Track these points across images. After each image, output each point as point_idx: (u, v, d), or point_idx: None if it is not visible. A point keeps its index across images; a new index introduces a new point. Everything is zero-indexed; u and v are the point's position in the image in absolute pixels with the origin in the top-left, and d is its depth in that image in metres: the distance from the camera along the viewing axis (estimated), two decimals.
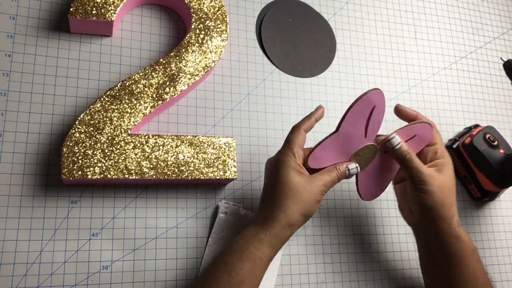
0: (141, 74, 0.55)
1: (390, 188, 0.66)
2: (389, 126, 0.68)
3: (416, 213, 0.55)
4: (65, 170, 0.49)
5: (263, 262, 0.47)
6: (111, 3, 0.55)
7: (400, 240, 0.64)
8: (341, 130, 0.50)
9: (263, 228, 0.47)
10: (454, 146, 0.69)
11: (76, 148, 0.50)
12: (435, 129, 0.56)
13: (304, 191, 0.48)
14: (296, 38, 0.68)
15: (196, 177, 0.53)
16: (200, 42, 0.58)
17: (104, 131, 0.52)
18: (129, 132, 0.53)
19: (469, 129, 0.71)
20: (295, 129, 0.51)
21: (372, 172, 0.56)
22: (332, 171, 0.51)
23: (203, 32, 0.59)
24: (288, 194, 0.48)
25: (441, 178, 0.52)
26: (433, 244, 0.54)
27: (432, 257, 0.54)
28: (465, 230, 0.53)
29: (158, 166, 0.52)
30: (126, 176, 0.51)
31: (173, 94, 0.55)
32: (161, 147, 0.53)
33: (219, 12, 0.60)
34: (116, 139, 0.52)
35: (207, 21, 0.59)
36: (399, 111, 0.56)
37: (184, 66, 0.57)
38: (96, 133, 0.51)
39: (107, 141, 0.51)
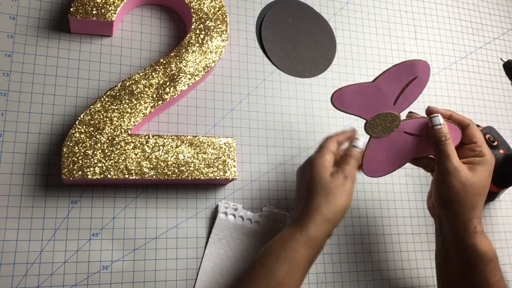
0: (141, 74, 0.55)
1: (391, 188, 0.66)
2: None
3: (435, 205, 0.53)
4: (65, 170, 0.49)
5: (300, 264, 0.45)
6: (111, 3, 0.55)
7: (400, 240, 0.64)
8: (376, 82, 0.49)
9: (299, 229, 0.47)
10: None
11: (76, 148, 0.50)
12: (474, 128, 0.54)
13: (334, 186, 0.48)
14: (296, 38, 0.68)
15: (196, 177, 0.53)
16: (200, 42, 0.58)
17: (104, 131, 0.52)
18: (129, 132, 0.53)
19: None
20: (328, 137, 0.52)
21: (385, 146, 0.53)
22: (347, 158, 0.51)
23: (203, 32, 0.59)
24: (320, 192, 0.48)
25: (469, 176, 0.50)
26: (448, 242, 0.52)
27: (445, 254, 0.53)
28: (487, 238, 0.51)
29: (158, 166, 0.52)
30: (126, 176, 0.51)
31: (173, 94, 0.55)
32: (161, 147, 0.53)
33: (219, 12, 0.60)
34: (116, 139, 0.52)
35: (207, 21, 0.59)
36: (432, 112, 0.54)
37: (184, 66, 0.57)
38: (96, 133, 0.51)
39: (107, 141, 0.51)
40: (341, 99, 0.49)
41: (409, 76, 0.48)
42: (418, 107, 0.56)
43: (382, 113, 0.50)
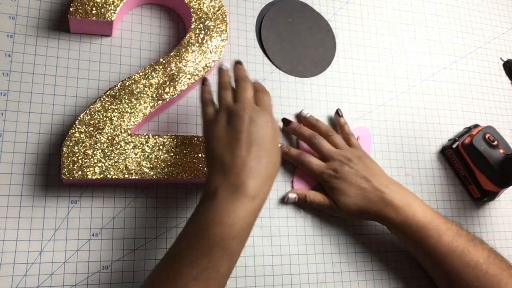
0: (141, 74, 0.55)
1: None
2: (395, 126, 0.68)
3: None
4: (65, 170, 0.49)
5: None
6: (111, 3, 0.55)
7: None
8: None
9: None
10: (454, 146, 0.69)
11: (76, 148, 0.50)
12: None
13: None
14: (296, 38, 0.68)
15: (196, 177, 0.53)
16: (200, 42, 0.58)
17: (104, 131, 0.52)
18: (129, 132, 0.53)
19: (468, 129, 0.71)
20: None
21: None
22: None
23: (203, 32, 0.59)
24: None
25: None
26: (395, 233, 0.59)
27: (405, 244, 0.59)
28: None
29: (158, 166, 0.52)
30: (126, 176, 0.51)
31: (173, 94, 0.55)
32: (161, 147, 0.53)
33: (219, 12, 0.60)
34: (116, 139, 0.52)
35: (207, 21, 0.59)
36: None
37: (184, 66, 0.57)
38: (96, 133, 0.51)
39: (107, 141, 0.51)
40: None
41: None
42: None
43: None
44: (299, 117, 0.64)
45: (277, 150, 0.48)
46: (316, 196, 0.59)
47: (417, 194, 0.60)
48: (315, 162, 0.59)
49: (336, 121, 0.65)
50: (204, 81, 0.54)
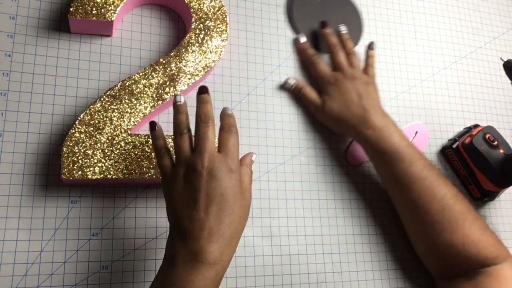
0: (141, 74, 0.55)
1: None
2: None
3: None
4: (65, 170, 0.49)
5: None
6: (111, 3, 0.55)
7: (400, 240, 0.64)
8: None
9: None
10: (454, 146, 0.69)
11: (76, 148, 0.50)
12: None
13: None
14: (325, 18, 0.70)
15: None
16: (200, 42, 0.58)
17: (104, 131, 0.52)
18: (129, 132, 0.53)
19: (469, 129, 0.71)
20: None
21: None
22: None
23: (203, 32, 0.59)
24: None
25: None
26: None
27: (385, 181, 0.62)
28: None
29: None
30: (126, 176, 0.51)
31: (173, 94, 0.55)
32: None
33: (219, 12, 0.60)
34: (116, 139, 0.52)
35: (207, 21, 0.59)
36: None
37: (184, 66, 0.57)
38: (96, 133, 0.51)
39: (107, 141, 0.51)
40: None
41: None
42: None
43: None
44: (337, 30, 0.66)
45: (244, 202, 0.44)
46: (311, 92, 0.63)
47: None
48: (323, 66, 0.63)
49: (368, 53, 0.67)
50: (153, 125, 0.48)
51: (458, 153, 0.69)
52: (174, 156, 0.46)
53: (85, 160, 0.50)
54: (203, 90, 0.47)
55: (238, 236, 0.44)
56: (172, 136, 0.48)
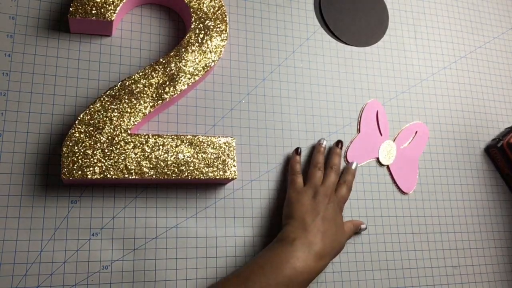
0: (141, 74, 0.55)
1: (390, 187, 0.67)
2: (395, 126, 0.68)
3: None
4: (65, 170, 0.49)
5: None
6: (111, 3, 0.55)
7: (399, 240, 0.64)
8: (361, 131, 0.66)
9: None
10: (499, 145, 0.71)
11: (76, 148, 0.50)
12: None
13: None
14: (354, 9, 0.72)
15: (196, 177, 0.53)
16: (200, 42, 0.58)
17: (104, 131, 0.52)
18: (129, 132, 0.53)
19: (511, 129, 0.73)
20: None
21: (401, 165, 0.67)
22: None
23: (202, 32, 0.59)
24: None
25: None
26: None
27: None
28: None
29: (158, 166, 0.52)
30: (126, 176, 0.51)
31: (173, 94, 0.55)
32: (161, 147, 0.53)
33: (219, 12, 0.60)
34: (116, 139, 0.52)
35: (207, 21, 0.59)
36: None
37: (184, 66, 0.57)
38: (96, 133, 0.51)
39: (107, 141, 0.51)
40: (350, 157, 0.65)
41: (373, 113, 0.68)
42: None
43: None
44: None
45: (342, 235, 0.57)
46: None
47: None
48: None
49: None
50: (297, 151, 0.62)
51: (502, 152, 0.70)
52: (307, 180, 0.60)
53: (85, 160, 0.50)
54: (338, 145, 0.63)
55: (334, 255, 0.56)
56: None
